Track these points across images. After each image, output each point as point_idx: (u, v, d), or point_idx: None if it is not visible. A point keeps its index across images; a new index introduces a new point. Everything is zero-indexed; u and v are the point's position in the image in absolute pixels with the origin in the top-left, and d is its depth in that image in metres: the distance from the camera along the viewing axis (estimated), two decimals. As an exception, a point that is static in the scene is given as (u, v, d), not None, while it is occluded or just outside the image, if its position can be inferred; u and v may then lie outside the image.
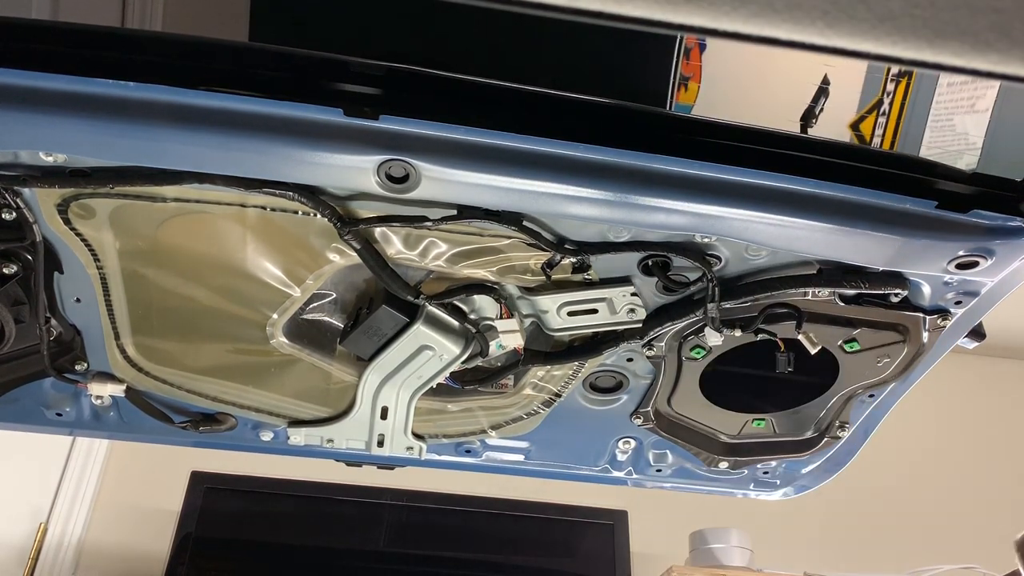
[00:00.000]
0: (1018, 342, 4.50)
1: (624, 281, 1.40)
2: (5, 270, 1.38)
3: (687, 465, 1.88)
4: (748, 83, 1.83)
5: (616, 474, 1.90)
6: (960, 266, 1.26)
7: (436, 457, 1.86)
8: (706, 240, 1.29)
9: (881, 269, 1.32)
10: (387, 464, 1.83)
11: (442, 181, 1.15)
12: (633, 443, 1.83)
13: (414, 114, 1.12)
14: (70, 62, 1.07)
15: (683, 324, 1.45)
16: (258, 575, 3.74)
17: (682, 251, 1.31)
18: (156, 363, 1.61)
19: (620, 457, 1.86)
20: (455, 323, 1.50)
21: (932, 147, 1.62)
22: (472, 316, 1.51)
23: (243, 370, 1.65)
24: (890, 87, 1.68)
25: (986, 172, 1.20)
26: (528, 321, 1.52)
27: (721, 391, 1.70)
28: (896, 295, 1.37)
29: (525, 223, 1.27)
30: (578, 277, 1.41)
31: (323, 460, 1.84)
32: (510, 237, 1.32)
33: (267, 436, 1.78)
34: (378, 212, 1.27)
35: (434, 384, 1.62)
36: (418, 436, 1.76)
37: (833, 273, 1.35)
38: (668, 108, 1.71)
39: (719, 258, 1.34)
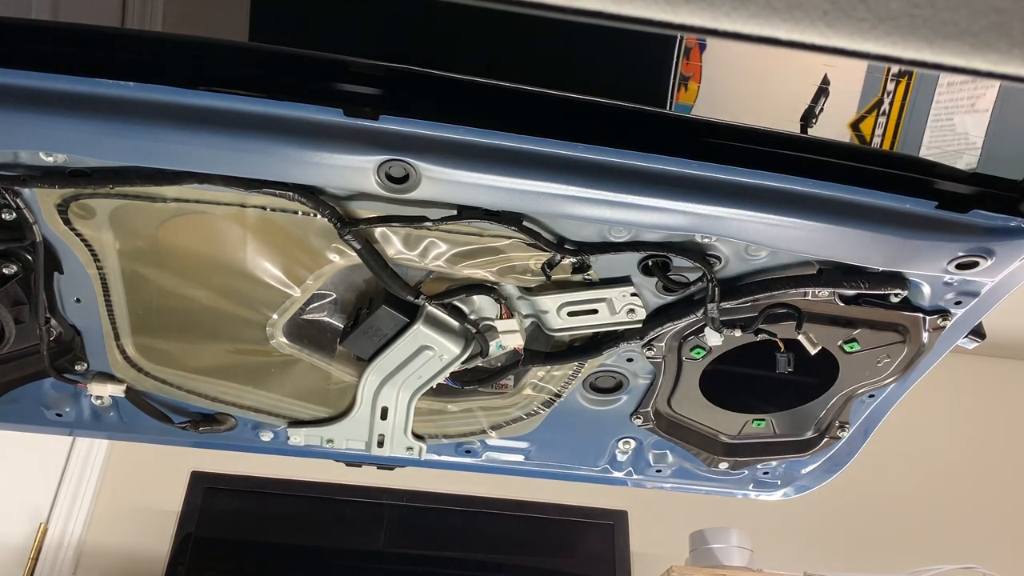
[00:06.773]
0: (1018, 342, 4.50)
1: (624, 281, 1.40)
2: (5, 270, 1.38)
3: (687, 465, 1.88)
4: (748, 83, 1.82)
5: (616, 474, 1.90)
6: (960, 266, 1.26)
7: (436, 457, 1.86)
8: (706, 240, 1.29)
9: (881, 269, 1.32)
10: (387, 464, 1.83)
11: (442, 181, 1.15)
12: (633, 443, 1.83)
13: (414, 114, 1.12)
14: (70, 62, 1.07)
15: (683, 324, 1.45)
16: (258, 575, 3.74)
17: (682, 251, 1.31)
18: (156, 363, 1.61)
19: (620, 457, 1.86)
20: (455, 323, 1.50)
21: (932, 147, 1.62)
22: (472, 316, 1.51)
23: (243, 370, 1.64)
24: (890, 87, 1.68)
25: (986, 172, 1.20)
26: (528, 321, 1.52)
27: (721, 391, 1.70)
28: (896, 295, 1.37)
29: (525, 223, 1.27)
30: (578, 277, 1.41)
31: (323, 460, 1.84)
32: (510, 237, 1.32)
33: (267, 436, 1.78)
34: (378, 212, 1.27)
35: (434, 384, 1.62)
36: (418, 436, 1.76)
37: (833, 273, 1.34)
38: (668, 108, 1.70)
39: (719, 258, 1.34)
